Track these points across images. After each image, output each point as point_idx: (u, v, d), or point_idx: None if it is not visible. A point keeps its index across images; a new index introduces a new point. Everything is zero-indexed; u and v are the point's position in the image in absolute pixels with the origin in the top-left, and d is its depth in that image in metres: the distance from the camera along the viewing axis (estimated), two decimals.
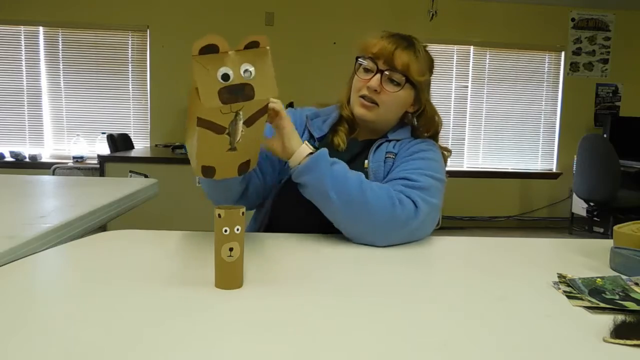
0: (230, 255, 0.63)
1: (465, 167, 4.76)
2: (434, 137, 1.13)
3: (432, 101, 1.13)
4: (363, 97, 1.04)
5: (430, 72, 1.10)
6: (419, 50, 1.05)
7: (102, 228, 1.16)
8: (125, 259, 0.79)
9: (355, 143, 1.10)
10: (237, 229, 0.62)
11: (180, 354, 0.46)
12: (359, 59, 1.05)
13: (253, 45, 0.69)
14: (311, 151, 0.91)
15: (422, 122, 1.11)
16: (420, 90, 1.07)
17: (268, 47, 0.69)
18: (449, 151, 1.13)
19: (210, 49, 0.66)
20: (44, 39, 4.25)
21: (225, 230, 0.62)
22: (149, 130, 4.40)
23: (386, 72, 1.01)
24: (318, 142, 1.09)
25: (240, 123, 0.71)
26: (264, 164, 1.03)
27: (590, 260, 0.83)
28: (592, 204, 3.98)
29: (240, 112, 0.71)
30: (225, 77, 0.67)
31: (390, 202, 0.88)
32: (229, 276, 0.64)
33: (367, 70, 1.04)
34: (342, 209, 0.88)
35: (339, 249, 0.87)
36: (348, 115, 1.09)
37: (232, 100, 0.68)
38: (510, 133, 4.78)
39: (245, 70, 0.68)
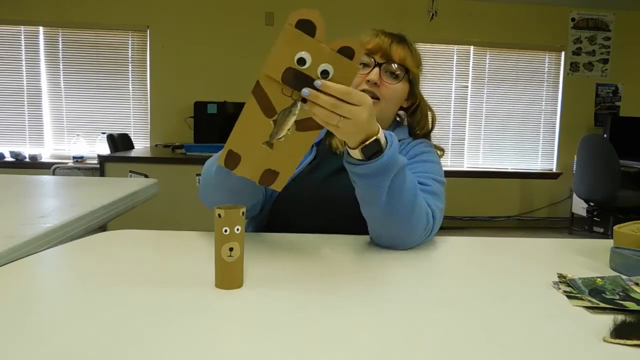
0: (230, 255, 0.63)
1: (465, 167, 4.76)
2: (428, 135, 1.13)
3: (430, 100, 1.13)
4: (364, 92, 1.03)
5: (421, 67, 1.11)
6: (411, 45, 1.07)
7: (102, 228, 1.16)
8: (125, 259, 0.79)
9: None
10: (237, 229, 0.62)
11: (180, 353, 0.46)
12: None
13: (348, 52, 0.65)
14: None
15: (417, 118, 1.11)
16: (414, 84, 1.07)
17: (360, 66, 0.67)
18: (442, 150, 1.13)
19: (306, 27, 0.62)
20: (44, 39, 4.25)
21: (225, 230, 0.62)
22: (149, 130, 4.41)
23: (385, 66, 1.02)
24: (315, 146, 1.08)
25: (293, 118, 0.66)
26: None
27: (590, 260, 0.83)
28: (592, 204, 3.98)
29: (298, 104, 0.66)
30: (301, 61, 0.64)
31: (426, 220, 0.86)
32: (229, 276, 0.64)
33: (364, 65, 1.03)
34: (387, 213, 0.82)
35: (339, 248, 0.87)
36: None
37: (292, 85, 0.64)
38: (510, 133, 4.79)
39: (324, 71, 0.65)
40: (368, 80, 1.01)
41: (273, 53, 0.64)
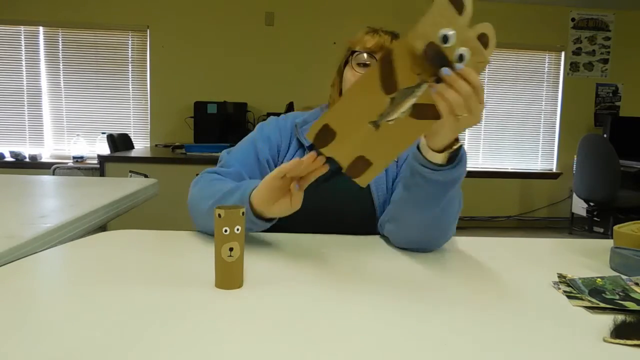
0: (230, 255, 0.63)
1: None
2: None
3: None
4: None
5: None
6: None
7: (102, 228, 1.16)
8: (125, 259, 0.79)
9: None
10: (237, 229, 0.62)
11: (180, 353, 0.46)
12: (356, 54, 1.01)
13: (484, 41, 0.59)
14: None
15: None
16: None
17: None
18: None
19: (455, 3, 0.57)
20: (44, 39, 4.25)
21: (225, 230, 0.62)
22: (149, 130, 4.40)
23: None
24: (308, 150, 1.03)
25: (413, 100, 0.58)
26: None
27: (590, 260, 0.83)
28: (592, 204, 3.98)
29: (424, 86, 0.58)
30: (444, 39, 0.57)
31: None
32: (229, 276, 0.64)
33: (364, 65, 1.00)
34: (437, 220, 0.82)
35: (339, 248, 0.87)
36: None
37: (429, 60, 0.58)
38: (510, 133, 4.78)
39: (461, 55, 0.58)
40: None
41: (423, 22, 0.57)
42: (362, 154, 0.66)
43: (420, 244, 0.86)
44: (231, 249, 0.62)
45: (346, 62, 1.03)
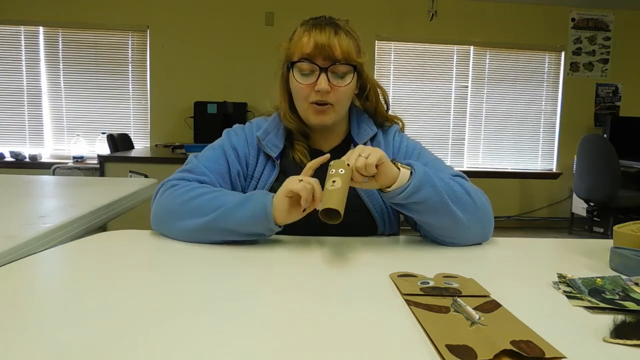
0: (332, 185, 0.76)
1: (465, 167, 4.75)
2: (387, 116, 1.08)
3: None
4: (315, 102, 0.95)
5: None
6: (346, 28, 0.97)
7: (102, 228, 1.16)
8: (125, 259, 0.79)
9: (320, 155, 1.01)
10: (341, 171, 0.78)
11: (181, 354, 0.46)
12: (296, 64, 0.95)
13: None
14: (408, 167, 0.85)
15: (373, 105, 1.05)
16: (362, 71, 1.00)
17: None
18: (403, 122, 1.11)
19: None
20: (44, 39, 4.25)
21: (332, 171, 0.78)
22: (149, 130, 4.41)
23: (331, 68, 0.93)
24: (277, 160, 1.00)
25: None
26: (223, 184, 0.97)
27: (590, 260, 0.83)
28: (592, 204, 3.98)
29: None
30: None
31: (482, 193, 0.94)
32: (328, 198, 0.75)
33: (307, 74, 0.94)
34: (460, 213, 0.86)
35: (339, 249, 0.87)
36: (296, 126, 1.01)
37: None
38: (510, 133, 4.79)
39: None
40: (318, 91, 0.93)
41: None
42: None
43: (478, 238, 0.94)
44: (334, 182, 0.77)
45: (289, 71, 0.98)
